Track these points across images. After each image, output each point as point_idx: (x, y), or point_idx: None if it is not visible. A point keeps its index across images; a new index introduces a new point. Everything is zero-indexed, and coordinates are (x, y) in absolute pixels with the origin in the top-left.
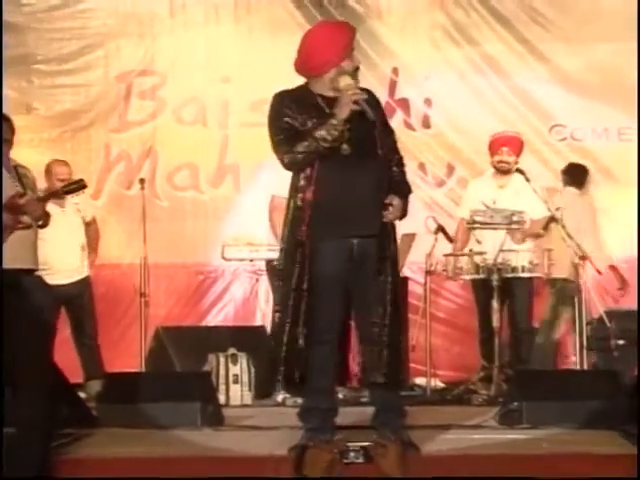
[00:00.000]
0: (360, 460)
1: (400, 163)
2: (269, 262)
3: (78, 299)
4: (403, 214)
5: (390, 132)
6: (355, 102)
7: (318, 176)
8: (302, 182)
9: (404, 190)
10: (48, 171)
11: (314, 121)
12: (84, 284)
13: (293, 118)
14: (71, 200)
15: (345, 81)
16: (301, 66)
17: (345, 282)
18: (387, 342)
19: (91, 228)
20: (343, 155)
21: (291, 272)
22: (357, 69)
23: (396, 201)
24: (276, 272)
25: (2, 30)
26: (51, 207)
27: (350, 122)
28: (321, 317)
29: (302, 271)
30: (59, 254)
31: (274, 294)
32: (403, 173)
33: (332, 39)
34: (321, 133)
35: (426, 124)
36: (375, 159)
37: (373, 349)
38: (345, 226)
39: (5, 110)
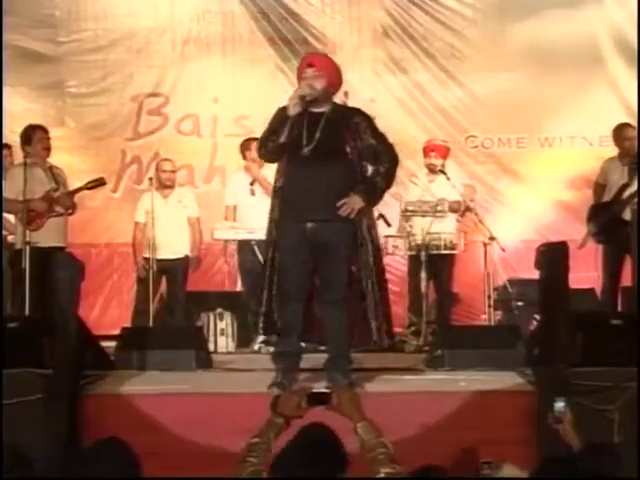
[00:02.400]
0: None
1: (378, 169)
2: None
3: (172, 272)
4: (366, 205)
5: (371, 146)
6: (301, 99)
7: (284, 171)
8: (275, 175)
9: (367, 189)
10: (156, 167)
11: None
12: (179, 262)
13: (280, 124)
14: (174, 196)
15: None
16: None
17: (305, 257)
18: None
19: (192, 222)
20: (303, 156)
21: (267, 245)
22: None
23: (351, 197)
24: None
25: (2, 31)
26: (156, 197)
27: (313, 130)
28: (287, 281)
29: (274, 244)
30: (159, 235)
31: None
32: (375, 177)
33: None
34: (281, 130)
35: None
36: (337, 161)
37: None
38: (301, 212)
39: (44, 124)
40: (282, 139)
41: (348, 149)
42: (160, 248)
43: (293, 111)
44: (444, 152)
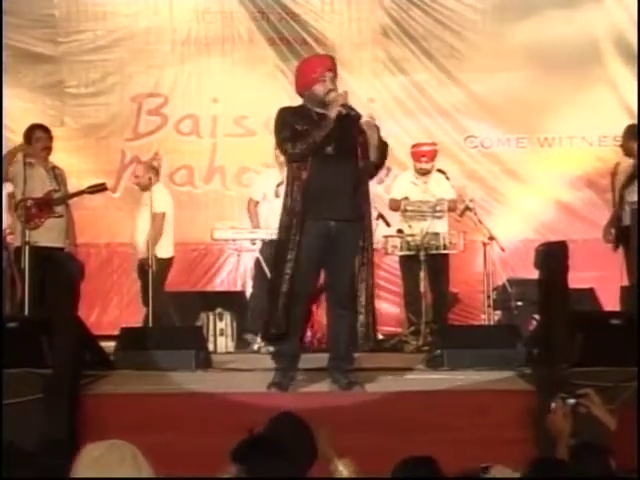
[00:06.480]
0: None
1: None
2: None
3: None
4: None
5: (365, 145)
6: (342, 105)
7: (310, 169)
8: (299, 173)
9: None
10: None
11: (310, 126)
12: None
13: (294, 123)
14: (145, 198)
15: (333, 92)
16: (296, 88)
17: (321, 255)
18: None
19: (155, 219)
20: (328, 155)
21: (286, 243)
22: (331, 91)
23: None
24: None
25: (2, 30)
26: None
27: (335, 130)
28: (300, 281)
29: (294, 242)
30: (135, 233)
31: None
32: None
33: (311, 67)
34: (316, 130)
35: None
36: (354, 161)
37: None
38: (326, 210)
39: (46, 124)
40: (317, 139)
41: (358, 148)
42: (136, 245)
43: (333, 114)
44: (434, 155)
